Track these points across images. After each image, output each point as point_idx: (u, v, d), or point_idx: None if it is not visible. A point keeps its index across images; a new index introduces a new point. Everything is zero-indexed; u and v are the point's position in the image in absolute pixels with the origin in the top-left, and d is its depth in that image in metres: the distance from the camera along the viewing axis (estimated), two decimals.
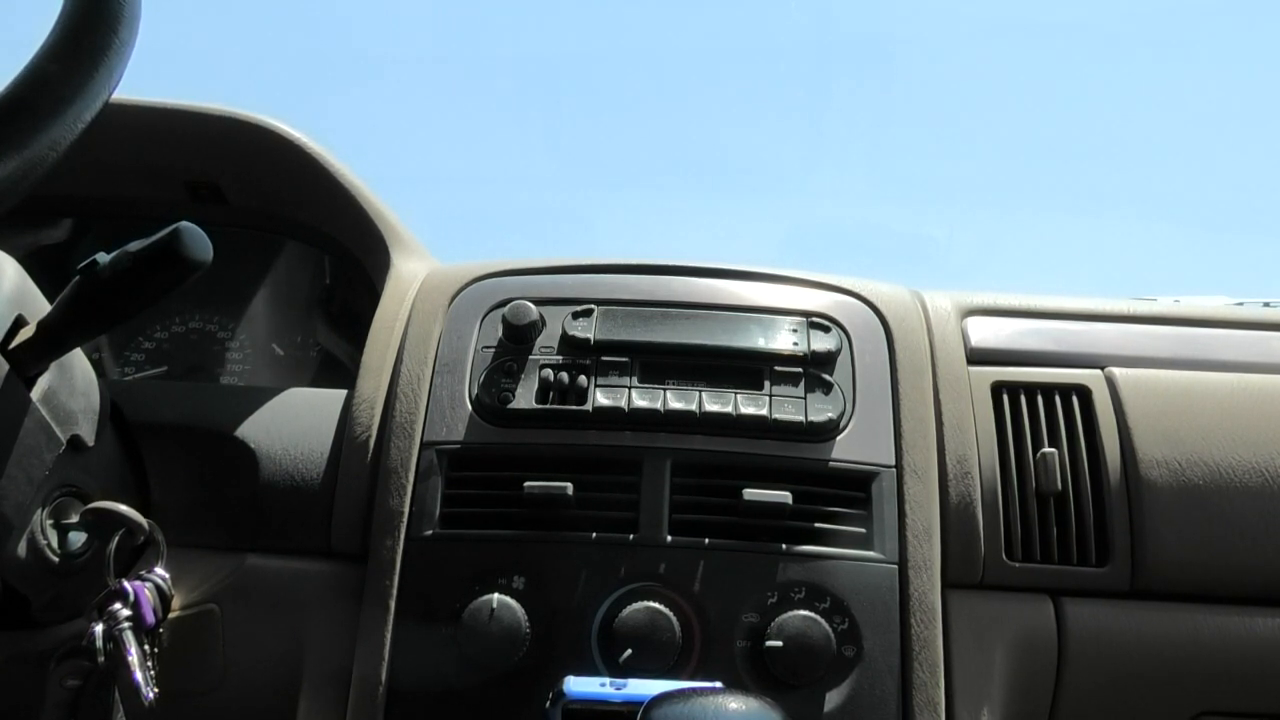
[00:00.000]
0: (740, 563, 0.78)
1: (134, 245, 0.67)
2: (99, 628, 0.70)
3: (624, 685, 0.66)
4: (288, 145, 1.03)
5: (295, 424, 0.86)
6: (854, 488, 0.81)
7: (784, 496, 0.78)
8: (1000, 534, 0.82)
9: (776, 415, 0.82)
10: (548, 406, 0.83)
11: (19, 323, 0.68)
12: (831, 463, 0.82)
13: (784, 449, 0.82)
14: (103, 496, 0.74)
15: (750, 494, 0.78)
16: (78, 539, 0.73)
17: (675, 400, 0.83)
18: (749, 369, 0.86)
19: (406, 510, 0.80)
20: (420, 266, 0.99)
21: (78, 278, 0.67)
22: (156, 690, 0.71)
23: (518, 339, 0.87)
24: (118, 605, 0.71)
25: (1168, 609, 0.80)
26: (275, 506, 0.83)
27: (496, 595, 0.75)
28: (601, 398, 0.83)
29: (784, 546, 0.78)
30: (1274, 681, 0.80)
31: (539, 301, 0.88)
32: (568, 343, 0.87)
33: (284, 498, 0.83)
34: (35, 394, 0.68)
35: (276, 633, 0.80)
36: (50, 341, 0.68)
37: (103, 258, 0.67)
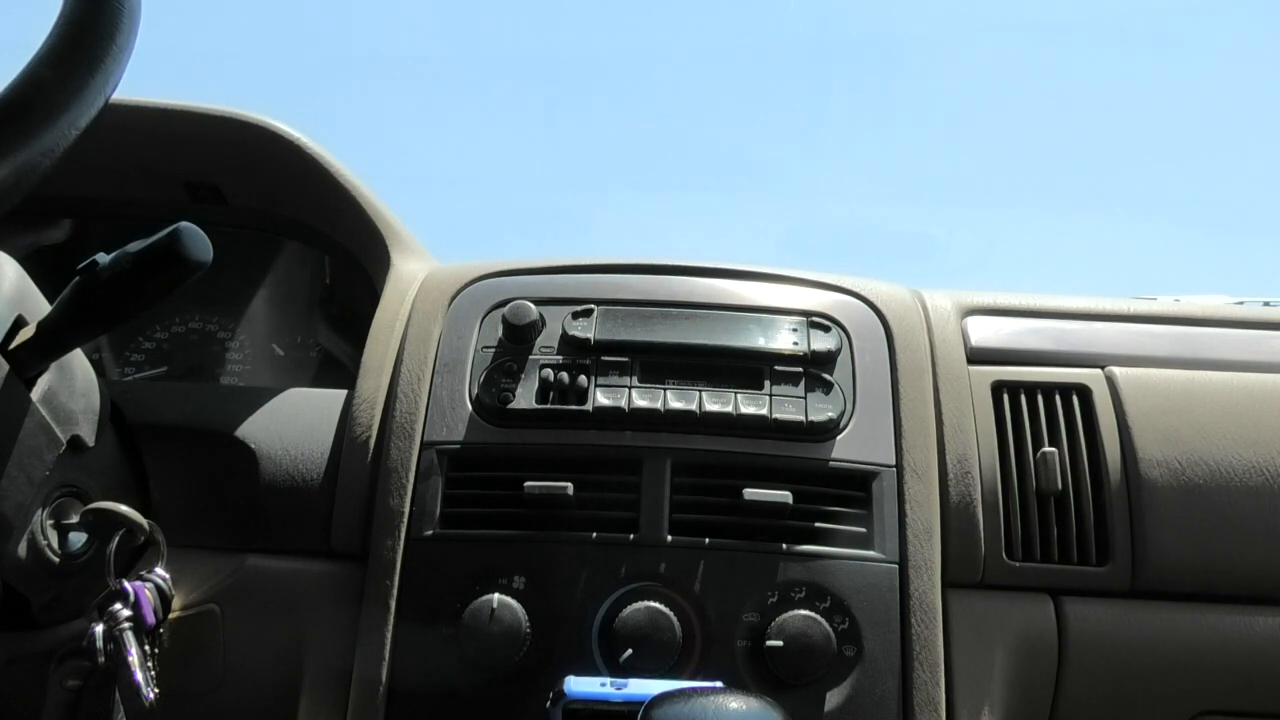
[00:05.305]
0: (740, 562, 0.78)
1: (134, 245, 0.67)
2: (99, 628, 0.70)
3: (624, 685, 0.66)
4: (287, 145, 1.03)
5: (295, 424, 0.86)
6: (854, 487, 0.81)
7: (784, 496, 0.78)
8: (1000, 533, 0.82)
9: (777, 415, 0.82)
10: (548, 406, 0.83)
11: (19, 323, 0.68)
12: (832, 462, 0.82)
13: (784, 449, 0.82)
14: (103, 497, 0.74)
15: (750, 494, 0.78)
16: (78, 539, 0.73)
17: (675, 400, 0.83)
18: (749, 369, 0.85)
19: (407, 510, 0.80)
20: (420, 266, 0.99)
21: (78, 278, 0.67)
22: (157, 690, 0.71)
23: (518, 339, 0.87)
24: (118, 606, 0.71)
25: (1168, 608, 0.80)
26: (275, 507, 0.83)
27: (497, 595, 0.75)
28: (601, 398, 0.83)
29: (784, 546, 0.78)
30: (1274, 681, 0.80)
31: (539, 301, 0.88)
32: (568, 343, 0.87)
33: (284, 498, 0.83)
34: (35, 394, 0.68)
35: (277, 633, 0.80)
36: (50, 342, 0.68)
37: (103, 258, 0.67)
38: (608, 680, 0.67)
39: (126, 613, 0.71)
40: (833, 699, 0.74)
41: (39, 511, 0.70)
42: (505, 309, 0.87)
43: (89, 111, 0.59)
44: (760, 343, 0.87)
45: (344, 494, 0.82)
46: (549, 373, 0.85)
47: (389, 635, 0.77)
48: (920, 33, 2.08)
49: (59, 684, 0.73)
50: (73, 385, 0.73)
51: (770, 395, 0.84)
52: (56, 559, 0.72)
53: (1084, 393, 0.87)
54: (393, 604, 0.77)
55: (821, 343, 0.87)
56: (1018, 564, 0.81)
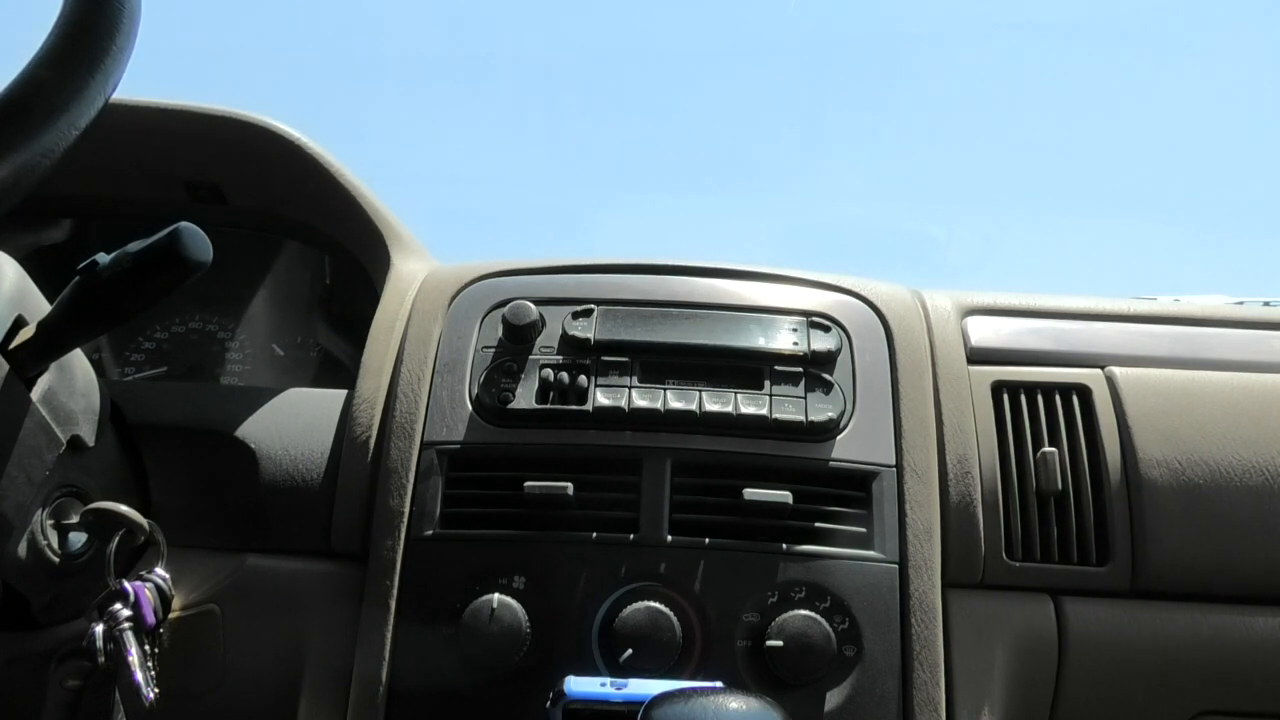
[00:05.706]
0: (741, 562, 0.78)
1: (134, 245, 0.67)
2: (99, 628, 0.70)
3: (624, 685, 0.66)
4: (288, 145, 1.03)
5: (295, 424, 0.86)
6: (854, 487, 0.81)
7: (784, 496, 0.78)
8: (1000, 533, 0.82)
9: (777, 415, 0.82)
10: (548, 406, 0.83)
11: (19, 323, 0.68)
12: (832, 462, 0.82)
13: (784, 449, 0.82)
14: (103, 497, 0.74)
15: (751, 493, 0.79)
16: (78, 539, 0.73)
17: (675, 400, 0.83)
18: (749, 369, 0.85)
19: (407, 510, 0.80)
20: (420, 267, 0.99)
21: (78, 278, 0.67)
22: (157, 690, 0.71)
23: (518, 339, 0.87)
24: (118, 606, 0.71)
25: (1168, 608, 0.81)
26: (275, 507, 0.83)
27: (497, 595, 0.75)
28: (602, 397, 0.83)
29: (784, 546, 0.78)
30: (1274, 681, 0.80)
31: (539, 301, 0.88)
32: (568, 343, 0.87)
33: (284, 498, 0.83)
34: (35, 394, 0.68)
35: (277, 633, 0.80)
36: (50, 342, 0.68)
37: (103, 258, 0.67)
38: (608, 680, 0.67)
39: (126, 613, 0.71)
40: (833, 699, 0.74)
41: (39, 511, 0.70)
42: (505, 309, 0.87)
43: (89, 112, 0.59)
44: (760, 343, 0.87)
45: (344, 494, 0.82)
46: (549, 373, 0.85)
47: (389, 635, 0.77)
48: (920, 32, 2.08)
49: (59, 684, 0.73)
50: (73, 385, 0.73)
51: (770, 395, 0.84)
52: (56, 559, 0.72)
53: (1084, 393, 0.87)
54: (393, 604, 0.77)
55: (821, 343, 0.87)
56: (1018, 564, 0.81)
